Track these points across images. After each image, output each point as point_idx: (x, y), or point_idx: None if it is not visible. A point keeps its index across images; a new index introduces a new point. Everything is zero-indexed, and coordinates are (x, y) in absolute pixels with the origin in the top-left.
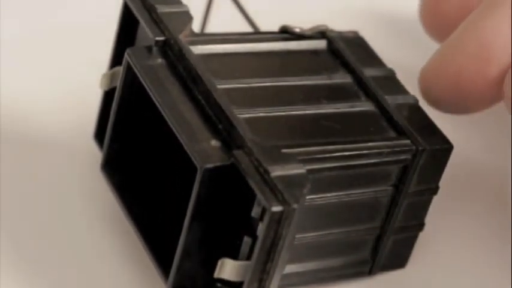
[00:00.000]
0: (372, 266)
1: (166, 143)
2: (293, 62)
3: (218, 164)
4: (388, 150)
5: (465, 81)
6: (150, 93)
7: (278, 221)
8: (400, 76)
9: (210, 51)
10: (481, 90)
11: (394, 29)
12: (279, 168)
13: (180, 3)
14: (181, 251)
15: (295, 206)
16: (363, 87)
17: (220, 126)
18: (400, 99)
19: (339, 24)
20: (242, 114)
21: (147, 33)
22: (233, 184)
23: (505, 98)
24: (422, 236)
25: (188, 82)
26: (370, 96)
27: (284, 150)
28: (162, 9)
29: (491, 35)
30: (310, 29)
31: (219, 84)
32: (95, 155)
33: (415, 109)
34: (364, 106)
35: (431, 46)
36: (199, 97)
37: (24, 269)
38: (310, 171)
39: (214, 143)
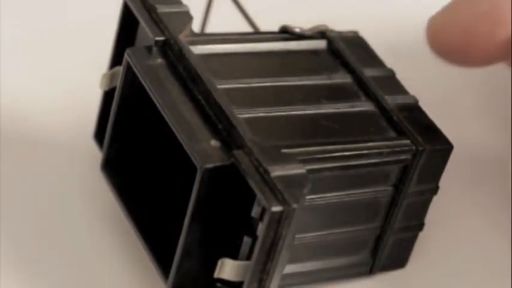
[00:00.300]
0: (372, 266)
1: (166, 143)
2: (293, 62)
3: (218, 164)
4: (388, 150)
5: (473, 40)
6: (150, 93)
7: (278, 221)
8: (400, 76)
9: (210, 51)
10: (487, 50)
11: (394, 29)
12: (279, 168)
13: (180, 3)
14: (181, 251)
15: (295, 206)
16: (363, 87)
17: (220, 126)
18: (400, 99)
19: (339, 24)
20: (242, 114)
21: (147, 33)
22: (233, 184)
23: None
24: (422, 236)
25: (188, 82)
26: (370, 96)
27: (284, 150)
28: (162, 9)
29: None
30: (310, 29)
31: (219, 84)
32: (95, 155)
33: (415, 109)
34: (364, 106)
35: None
36: (199, 97)
37: (24, 269)
38: (310, 171)
39: (214, 143)
